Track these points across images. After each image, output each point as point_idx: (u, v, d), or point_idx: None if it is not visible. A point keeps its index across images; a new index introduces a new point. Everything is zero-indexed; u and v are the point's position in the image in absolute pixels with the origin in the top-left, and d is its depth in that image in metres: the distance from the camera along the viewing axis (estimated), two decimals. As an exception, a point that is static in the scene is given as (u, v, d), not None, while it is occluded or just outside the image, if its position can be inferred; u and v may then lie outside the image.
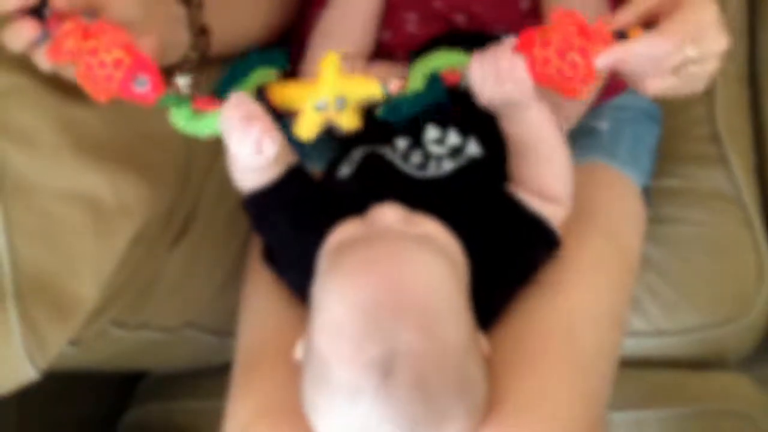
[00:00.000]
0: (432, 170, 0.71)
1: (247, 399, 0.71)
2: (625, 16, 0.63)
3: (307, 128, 0.67)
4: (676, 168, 1.02)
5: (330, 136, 0.83)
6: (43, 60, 0.61)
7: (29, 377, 0.66)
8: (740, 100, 1.07)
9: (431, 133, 0.73)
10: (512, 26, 0.81)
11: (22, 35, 0.59)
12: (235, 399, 0.72)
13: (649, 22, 0.62)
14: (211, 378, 0.97)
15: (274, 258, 0.73)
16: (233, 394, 0.72)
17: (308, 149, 0.73)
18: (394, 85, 0.67)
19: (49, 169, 0.66)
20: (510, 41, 0.64)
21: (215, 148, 0.86)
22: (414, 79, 0.68)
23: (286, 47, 0.69)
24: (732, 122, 1.05)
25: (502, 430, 0.63)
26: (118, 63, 0.60)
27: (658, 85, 0.63)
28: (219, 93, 0.66)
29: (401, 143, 0.73)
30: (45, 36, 0.59)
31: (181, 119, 0.64)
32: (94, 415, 1.09)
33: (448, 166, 0.71)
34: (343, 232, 0.65)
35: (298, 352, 0.65)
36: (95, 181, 0.68)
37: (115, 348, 0.85)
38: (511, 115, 0.66)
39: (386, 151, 0.73)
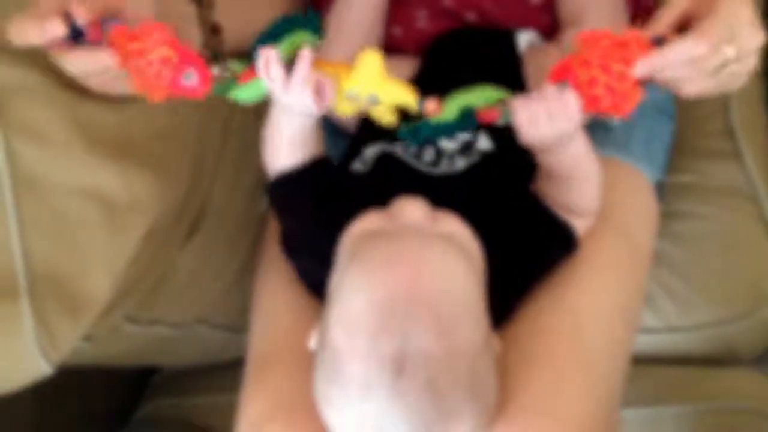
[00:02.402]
0: (444, 167, 0.71)
1: (259, 397, 0.70)
2: (661, 22, 0.61)
3: (342, 108, 0.65)
4: (690, 163, 1.01)
5: (340, 131, 0.83)
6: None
7: (43, 372, 0.67)
8: (754, 95, 1.06)
9: None
10: (523, 22, 0.80)
11: (95, 62, 0.60)
12: (248, 397, 0.72)
13: (684, 26, 0.61)
14: (222, 373, 0.97)
15: (290, 248, 0.73)
16: (246, 392, 0.72)
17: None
18: (430, 106, 0.64)
19: (61, 165, 0.66)
20: (550, 87, 0.61)
21: (224, 145, 0.87)
22: (449, 108, 0.65)
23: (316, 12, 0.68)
24: (746, 117, 1.04)
25: (511, 429, 0.63)
26: (165, 60, 0.60)
27: (696, 88, 0.62)
28: (253, 56, 0.64)
29: (412, 138, 0.73)
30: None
31: (234, 97, 0.64)
32: (106, 410, 1.09)
33: (460, 162, 0.71)
34: (366, 222, 0.65)
35: (312, 342, 0.65)
36: (107, 178, 0.68)
37: (128, 343, 0.85)
38: (554, 149, 0.65)
39: (398, 149, 0.72)
